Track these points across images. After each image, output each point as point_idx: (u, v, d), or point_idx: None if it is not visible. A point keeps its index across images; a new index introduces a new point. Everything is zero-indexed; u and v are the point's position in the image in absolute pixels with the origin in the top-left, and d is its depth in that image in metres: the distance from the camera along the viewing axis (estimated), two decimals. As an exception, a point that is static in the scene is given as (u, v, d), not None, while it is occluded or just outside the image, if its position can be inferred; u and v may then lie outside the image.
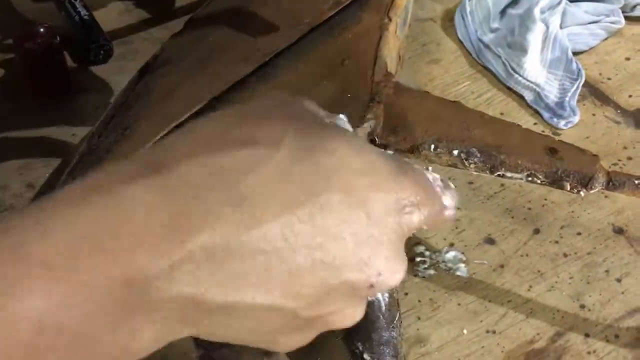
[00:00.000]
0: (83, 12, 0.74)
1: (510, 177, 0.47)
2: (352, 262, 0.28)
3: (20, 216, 0.24)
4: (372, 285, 0.29)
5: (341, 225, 0.27)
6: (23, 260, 0.23)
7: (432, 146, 0.48)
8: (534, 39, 0.69)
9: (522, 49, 0.69)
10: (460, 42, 0.75)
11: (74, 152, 0.52)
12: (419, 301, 0.51)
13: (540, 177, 0.46)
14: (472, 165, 0.48)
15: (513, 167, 0.47)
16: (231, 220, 0.25)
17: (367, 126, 0.48)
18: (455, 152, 0.48)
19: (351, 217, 0.28)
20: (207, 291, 0.25)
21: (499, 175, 0.48)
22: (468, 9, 0.75)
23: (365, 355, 0.43)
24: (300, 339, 0.30)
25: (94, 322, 0.24)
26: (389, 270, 0.29)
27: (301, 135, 0.28)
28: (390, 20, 0.57)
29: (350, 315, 0.30)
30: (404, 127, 0.49)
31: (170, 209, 0.25)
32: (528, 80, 0.68)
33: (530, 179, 0.47)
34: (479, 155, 0.47)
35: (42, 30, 0.68)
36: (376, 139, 0.49)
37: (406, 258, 0.30)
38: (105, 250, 0.24)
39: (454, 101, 0.52)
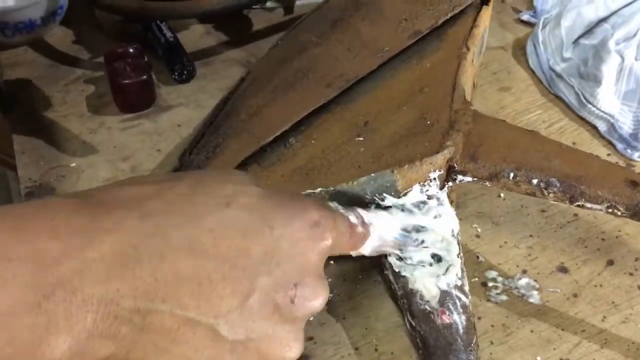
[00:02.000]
0: (168, 34, 0.78)
1: (590, 208, 0.48)
2: (262, 271, 0.29)
3: None
4: (292, 301, 0.30)
5: (245, 239, 0.29)
6: None
7: (512, 174, 0.49)
8: (609, 70, 0.69)
9: (596, 80, 0.70)
10: (532, 70, 0.76)
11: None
12: (492, 326, 0.52)
13: (620, 209, 0.47)
14: (551, 195, 0.49)
15: (593, 198, 0.47)
16: (137, 230, 0.28)
17: (446, 153, 0.50)
18: (535, 181, 0.49)
19: (255, 232, 0.30)
20: (119, 293, 0.27)
21: (578, 205, 0.48)
22: (540, 38, 0.76)
23: None
24: None
25: (6, 321, 0.25)
26: (307, 285, 0.31)
27: (200, 176, 0.32)
28: (468, 49, 0.59)
29: (285, 343, 0.30)
30: (482, 155, 0.50)
31: (85, 214, 0.28)
32: (601, 111, 0.68)
33: (610, 210, 0.47)
34: (558, 185, 0.48)
35: (131, 50, 0.73)
36: (455, 165, 0.50)
37: (326, 282, 0.32)
38: (21, 241, 0.27)
39: (531, 130, 0.53)
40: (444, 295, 0.46)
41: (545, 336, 0.51)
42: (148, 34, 0.79)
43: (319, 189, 0.48)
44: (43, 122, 0.70)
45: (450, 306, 0.46)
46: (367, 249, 0.42)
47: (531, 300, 0.54)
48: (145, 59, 0.73)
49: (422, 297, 0.46)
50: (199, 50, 0.80)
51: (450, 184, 0.50)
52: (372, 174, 0.48)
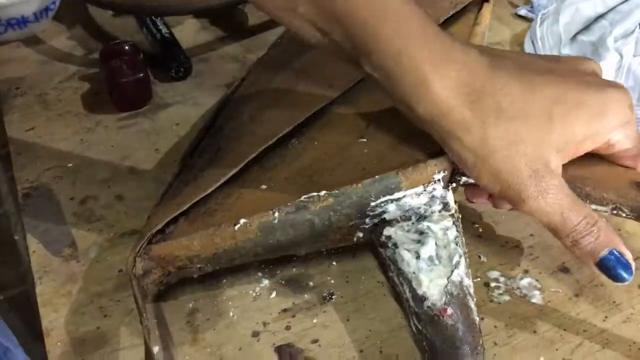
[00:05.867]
0: (164, 30, 0.77)
1: (595, 210, 0.48)
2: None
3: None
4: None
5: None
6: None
7: None
8: (607, 67, 0.69)
9: (595, 77, 0.70)
10: (530, 67, 0.76)
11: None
12: (495, 327, 0.52)
13: (625, 210, 0.47)
14: None
15: (599, 200, 0.47)
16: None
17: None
18: None
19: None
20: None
21: None
22: (538, 35, 0.76)
23: None
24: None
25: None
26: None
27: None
28: None
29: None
30: None
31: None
32: (600, 109, 0.68)
33: (615, 212, 0.48)
34: None
35: (127, 47, 0.72)
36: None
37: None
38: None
39: None
40: (450, 298, 0.46)
41: (548, 337, 0.51)
42: (143, 29, 0.78)
43: (323, 192, 0.48)
44: (38, 121, 0.70)
45: (457, 308, 0.46)
46: None
47: (533, 300, 0.54)
48: (141, 56, 0.72)
49: (427, 299, 0.47)
50: (195, 46, 0.80)
51: (453, 185, 0.50)
52: (377, 176, 0.48)
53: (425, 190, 0.49)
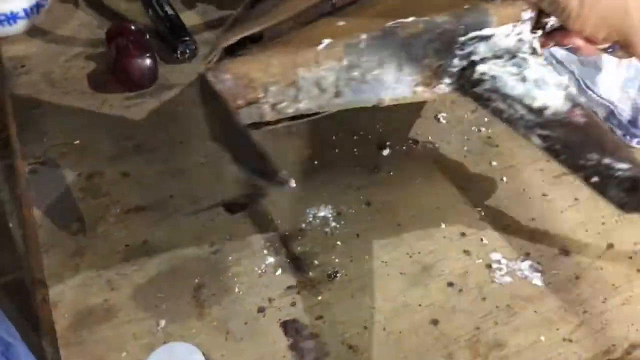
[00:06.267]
0: (170, 11, 0.77)
1: None
2: None
3: None
4: None
5: None
6: None
7: None
8: (609, 57, 0.70)
9: (596, 67, 0.71)
10: (532, 56, 0.77)
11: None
12: (497, 307, 0.53)
13: None
14: None
15: None
16: None
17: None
18: None
19: None
20: None
21: None
22: (542, 25, 0.77)
23: (605, 160, 0.44)
24: None
25: None
26: None
27: None
28: None
29: None
30: None
31: None
32: (601, 98, 0.69)
33: None
34: None
35: (133, 27, 0.72)
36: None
37: None
38: None
39: None
40: (574, 104, 0.46)
41: (548, 317, 0.52)
42: (148, 12, 0.78)
43: (411, 18, 0.47)
44: (45, 99, 0.70)
45: (584, 110, 0.46)
46: None
47: (534, 282, 0.55)
48: (147, 36, 0.72)
49: (549, 108, 0.46)
50: (201, 27, 0.79)
51: (539, 32, 0.50)
52: (466, 6, 0.48)
53: (513, 31, 0.48)
